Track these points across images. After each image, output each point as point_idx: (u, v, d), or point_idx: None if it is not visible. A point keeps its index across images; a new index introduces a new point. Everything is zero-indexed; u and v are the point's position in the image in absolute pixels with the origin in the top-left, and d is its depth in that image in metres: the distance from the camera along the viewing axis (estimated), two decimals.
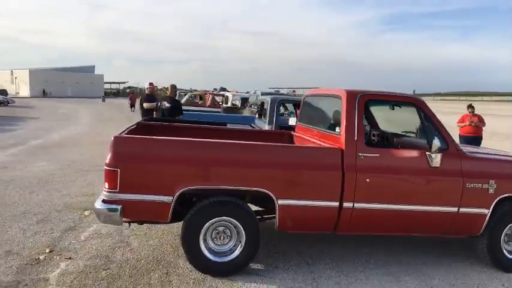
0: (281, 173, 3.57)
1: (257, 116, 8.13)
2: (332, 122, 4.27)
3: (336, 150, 3.69)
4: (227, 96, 14.96)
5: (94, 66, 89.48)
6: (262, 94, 10.92)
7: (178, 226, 4.69)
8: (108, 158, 3.44)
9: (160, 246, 4.36)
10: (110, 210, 3.44)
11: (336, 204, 3.64)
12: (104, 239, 4.50)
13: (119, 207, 3.43)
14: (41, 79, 70.70)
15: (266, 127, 6.63)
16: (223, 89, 38.39)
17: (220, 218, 3.61)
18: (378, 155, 3.72)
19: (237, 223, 3.63)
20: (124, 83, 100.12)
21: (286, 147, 3.90)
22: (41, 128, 17.96)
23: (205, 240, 3.64)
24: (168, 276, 3.65)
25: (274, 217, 3.70)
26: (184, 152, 3.51)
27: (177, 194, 3.46)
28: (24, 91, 66.95)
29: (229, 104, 12.76)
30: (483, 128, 9.86)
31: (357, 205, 3.66)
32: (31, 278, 3.56)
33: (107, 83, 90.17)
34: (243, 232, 3.64)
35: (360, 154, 3.67)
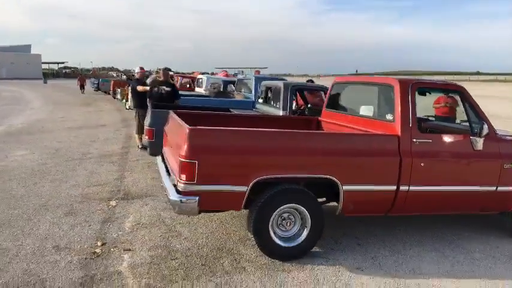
0: (346, 160, 3.75)
1: (260, 100, 8.17)
2: (379, 109, 4.48)
3: (393, 137, 3.92)
4: (200, 79, 14.74)
5: (30, 46, 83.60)
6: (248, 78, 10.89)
7: (217, 213, 4.77)
8: (184, 150, 3.41)
9: (211, 234, 4.39)
10: (188, 201, 3.44)
11: (394, 187, 3.89)
12: (151, 229, 4.44)
13: (197, 198, 3.44)
14: None
15: (280, 113, 6.73)
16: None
17: (289, 205, 3.73)
18: (430, 140, 4.00)
19: (303, 209, 3.77)
20: (63, 63, 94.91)
21: (351, 136, 4.07)
22: None
23: (272, 226, 3.75)
24: (239, 263, 3.73)
25: (325, 202, 3.91)
26: (259, 142, 3.56)
27: (252, 183, 3.52)
28: None
29: (202, 89, 12.58)
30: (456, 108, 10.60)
31: (412, 188, 3.93)
32: (102, 272, 3.48)
33: (44, 63, 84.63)
34: (309, 218, 3.78)
35: (415, 140, 3.93)
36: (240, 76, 15.76)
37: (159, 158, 4.98)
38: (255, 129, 3.72)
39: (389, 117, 4.13)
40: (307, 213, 3.78)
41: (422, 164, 3.91)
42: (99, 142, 9.95)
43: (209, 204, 3.57)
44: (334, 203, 3.99)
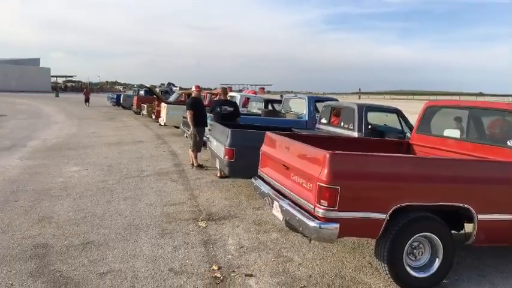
0: (483, 188, 3.66)
1: (323, 121, 8.11)
2: (493, 134, 4.41)
3: None
4: (233, 97, 14.71)
5: (39, 59, 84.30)
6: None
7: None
8: (325, 175, 3.32)
9: (323, 260, 4.26)
10: (328, 228, 3.33)
11: None
12: (259, 254, 4.31)
13: (337, 225, 3.34)
14: None
15: (355, 135, 6.67)
16: (171, 84, 37.40)
17: (424, 233, 3.62)
18: None
19: (436, 238, 3.65)
20: (71, 76, 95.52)
21: (486, 162, 3.98)
22: (20, 127, 16.70)
23: (406, 255, 3.63)
24: None
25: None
26: (402, 169, 3.48)
27: (391, 210, 3.43)
28: None
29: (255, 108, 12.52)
30: None
31: None
32: None
33: (53, 76, 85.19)
34: (441, 247, 3.66)
35: None
36: (258, 95, 15.67)
37: (257, 180, 4.88)
38: (397, 155, 3.65)
39: (510, 143, 4.05)
40: (440, 242, 3.66)
41: None
42: (146, 159, 9.85)
43: (347, 231, 3.46)
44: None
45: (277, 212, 4.15)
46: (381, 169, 3.45)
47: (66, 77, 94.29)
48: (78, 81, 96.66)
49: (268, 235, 4.86)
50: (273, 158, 4.57)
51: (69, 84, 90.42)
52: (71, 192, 6.50)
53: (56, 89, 65.52)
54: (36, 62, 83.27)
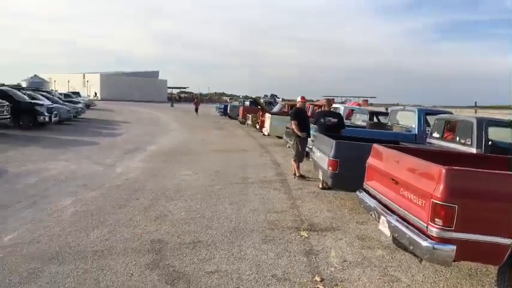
0: None
1: (435, 135, 7.61)
2: None
3: None
4: (337, 109, 14.52)
5: (158, 72, 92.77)
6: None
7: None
8: (440, 191, 3.10)
9: (436, 283, 3.95)
10: (443, 249, 3.10)
11: None
12: (364, 270, 4.17)
13: (454, 247, 3.08)
14: (110, 83, 74.20)
15: (473, 151, 6.13)
16: (274, 96, 37.88)
17: None
18: None
19: None
20: (184, 88, 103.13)
21: None
22: (141, 133, 18.46)
23: None
24: None
25: None
26: None
27: None
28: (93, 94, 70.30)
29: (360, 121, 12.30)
30: None
31: None
32: None
33: (169, 87, 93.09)
34: None
35: None
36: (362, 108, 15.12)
37: (362, 193, 4.75)
38: None
39: None
40: None
41: None
42: (250, 167, 10.20)
43: (465, 255, 3.19)
44: None
45: (384, 228, 3.99)
46: (506, 189, 3.11)
47: (180, 88, 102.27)
48: (190, 92, 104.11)
49: (373, 251, 4.68)
50: (380, 171, 4.41)
51: (182, 95, 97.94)
52: (183, 194, 7.01)
53: (171, 99, 71.41)
54: (155, 74, 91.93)
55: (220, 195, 7.09)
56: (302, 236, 5.13)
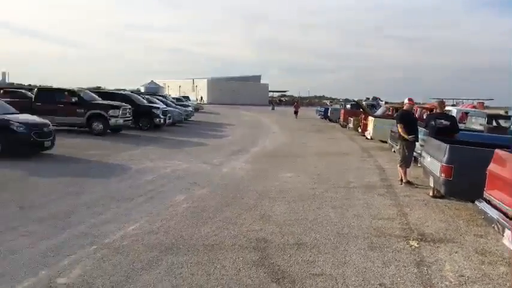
0: None
1: None
2: None
3: None
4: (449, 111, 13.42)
5: (260, 76, 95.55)
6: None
7: None
8: None
9: None
10: None
11: None
12: (485, 286, 3.82)
13: None
14: (216, 87, 78.44)
15: None
16: (377, 99, 35.96)
17: None
18: None
19: None
20: (284, 91, 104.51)
21: None
22: (245, 135, 19.15)
23: None
24: None
25: None
26: None
27: None
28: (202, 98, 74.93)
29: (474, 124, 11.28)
30: None
31: None
32: None
33: (270, 91, 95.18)
34: None
35: None
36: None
37: (482, 203, 4.33)
38: None
39: None
40: None
41: None
42: (353, 171, 9.95)
43: None
44: None
45: (508, 243, 3.59)
46: None
47: (280, 91, 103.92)
48: (290, 96, 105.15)
49: (494, 267, 4.24)
50: (504, 180, 3.98)
51: (282, 99, 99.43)
52: (286, 196, 7.11)
53: (272, 102, 72.99)
54: (257, 78, 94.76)
55: (322, 198, 7.04)
56: (412, 245, 4.85)
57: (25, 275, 3.68)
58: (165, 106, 20.60)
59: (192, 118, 27.24)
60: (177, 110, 22.51)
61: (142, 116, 17.47)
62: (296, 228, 5.33)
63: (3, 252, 4.15)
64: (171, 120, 19.56)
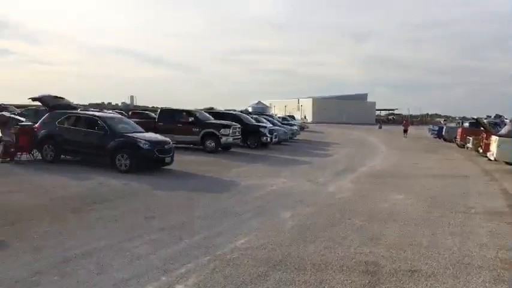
0: None
1: None
2: None
3: None
4: None
5: (366, 94, 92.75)
6: None
7: None
8: None
9: None
10: None
11: None
12: None
13: None
14: (320, 106, 78.29)
15: None
16: (499, 116, 31.80)
17: None
18: None
19: None
20: (393, 110, 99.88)
21: None
22: (349, 154, 18.69)
23: None
24: None
25: None
26: None
27: None
28: (307, 117, 75.35)
29: None
30: None
31: None
32: None
33: (378, 110, 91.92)
34: None
35: None
36: None
37: None
38: None
39: None
40: None
41: None
42: (473, 195, 9.06)
43: None
44: None
45: None
46: None
47: (388, 110, 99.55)
48: (399, 114, 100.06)
49: None
50: None
51: (390, 117, 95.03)
52: (396, 219, 6.76)
53: (379, 121, 70.24)
54: (363, 96, 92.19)
55: (438, 223, 6.53)
56: None
57: (148, 279, 4.05)
58: (271, 125, 21.21)
59: (298, 137, 27.49)
60: (282, 128, 22.97)
61: (251, 134, 18.22)
62: (409, 253, 5.02)
63: (131, 257, 4.63)
64: (277, 139, 20.02)
